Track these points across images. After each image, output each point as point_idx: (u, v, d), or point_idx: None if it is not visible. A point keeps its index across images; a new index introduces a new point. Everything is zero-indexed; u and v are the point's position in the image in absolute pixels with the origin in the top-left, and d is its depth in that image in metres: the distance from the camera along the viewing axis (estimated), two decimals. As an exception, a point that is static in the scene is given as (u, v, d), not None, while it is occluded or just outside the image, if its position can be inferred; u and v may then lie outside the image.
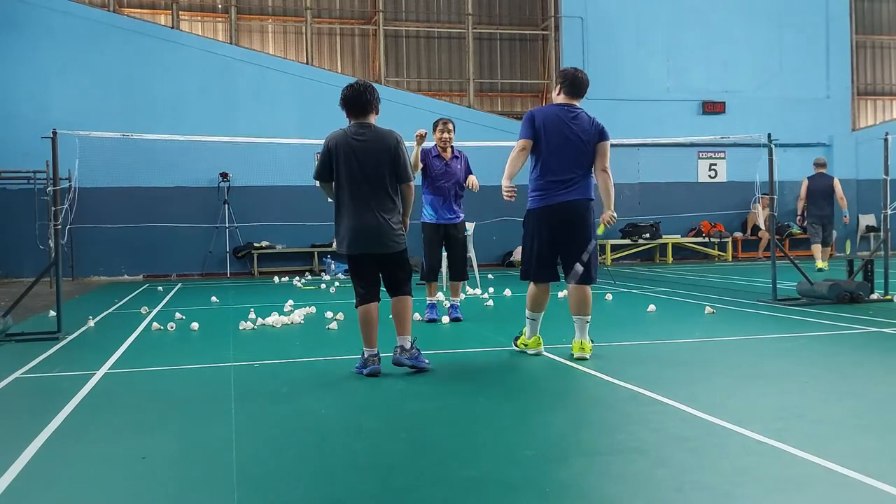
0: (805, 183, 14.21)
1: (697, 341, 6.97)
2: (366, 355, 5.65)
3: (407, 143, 5.99)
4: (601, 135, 6.10)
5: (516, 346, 6.50)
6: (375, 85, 6.10)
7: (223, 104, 16.94)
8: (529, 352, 6.36)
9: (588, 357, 6.03)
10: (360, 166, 5.59)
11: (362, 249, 5.65)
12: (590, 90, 6.35)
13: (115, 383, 5.61)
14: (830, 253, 16.06)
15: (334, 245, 5.92)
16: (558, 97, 6.21)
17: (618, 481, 3.35)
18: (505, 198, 6.12)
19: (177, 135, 13.89)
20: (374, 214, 5.60)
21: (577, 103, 6.16)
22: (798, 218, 14.97)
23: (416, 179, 8.40)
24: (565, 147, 5.99)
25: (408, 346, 5.71)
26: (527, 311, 6.34)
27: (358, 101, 5.69)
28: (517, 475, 3.43)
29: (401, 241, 5.74)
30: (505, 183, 6.08)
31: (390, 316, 5.85)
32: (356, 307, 5.76)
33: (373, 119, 5.78)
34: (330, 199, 5.87)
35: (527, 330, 6.40)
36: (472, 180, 8.37)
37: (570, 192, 5.99)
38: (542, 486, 3.30)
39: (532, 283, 6.27)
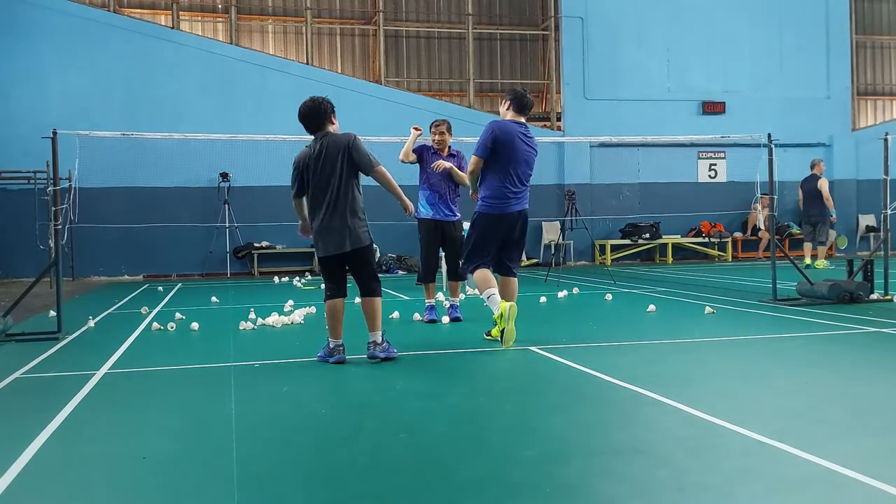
0: (800, 184, 15.27)
1: (697, 341, 6.97)
2: (331, 345, 6.05)
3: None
4: (536, 152, 6.86)
5: (489, 336, 6.78)
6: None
7: (223, 104, 16.93)
8: (507, 320, 6.38)
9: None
10: (322, 173, 6.03)
11: (332, 251, 6.02)
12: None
13: (116, 383, 5.61)
14: (830, 253, 16.06)
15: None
16: (507, 113, 6.77)
17: (618, 481, 3.35)
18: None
19: (177, 134, 13.88)
20: (339, 216, 5.99)
21: (523, 120, 6.76)
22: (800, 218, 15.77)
23: (412, 176, 8.48)
24: (520, 161, 6.61)
25: (379, 340, 6.10)
26: (485, 293, 6.67)
27: (310, 116, 6.15)
28: (517, 475, 3.43)
29: (364, 237, 6.07)
30: (474, 194, 6.87)
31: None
32: (325, 301, 6.15)
33: (331, 128, 6.16)
34: (300, 221, 6.29)
35: (493, 307, 6.58)
36: (440, 162, 7.99)
37: (521, 202, 6.71)
38: (543, 486, 3.30)
39: (479, 269, 6.68)
